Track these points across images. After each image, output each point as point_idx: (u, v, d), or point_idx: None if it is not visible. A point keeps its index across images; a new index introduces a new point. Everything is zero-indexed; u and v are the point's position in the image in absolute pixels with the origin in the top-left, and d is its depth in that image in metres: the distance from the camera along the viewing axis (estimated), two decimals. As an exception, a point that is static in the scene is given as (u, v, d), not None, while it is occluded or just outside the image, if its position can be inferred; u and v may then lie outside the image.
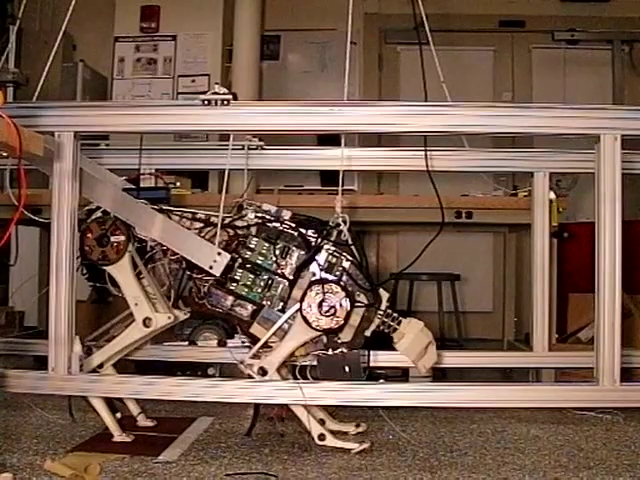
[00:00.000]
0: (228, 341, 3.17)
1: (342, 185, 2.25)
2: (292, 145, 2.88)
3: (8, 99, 3.69)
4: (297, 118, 2.15)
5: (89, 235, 2.24)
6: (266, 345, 2.19)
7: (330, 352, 2.16)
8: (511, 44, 5.87)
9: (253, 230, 2.25)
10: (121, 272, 2.25)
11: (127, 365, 2.81)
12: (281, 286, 2.21)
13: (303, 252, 2.20)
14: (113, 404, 2.27)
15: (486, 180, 3.84)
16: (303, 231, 2.22)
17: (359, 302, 2.16)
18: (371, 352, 2.71)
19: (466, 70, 5.71)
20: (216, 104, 2.11)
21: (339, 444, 2.15)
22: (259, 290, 2.21)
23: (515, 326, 4.19)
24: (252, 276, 2.21)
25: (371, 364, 2.77)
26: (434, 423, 2.56)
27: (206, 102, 2.11)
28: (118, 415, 2.27)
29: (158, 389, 2.13)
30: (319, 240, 2.20)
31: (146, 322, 2.23)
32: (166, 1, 5.53)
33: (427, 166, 2.44)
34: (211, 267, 2.19)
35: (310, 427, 2.16)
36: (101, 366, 2.28)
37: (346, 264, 2.18)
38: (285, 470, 1.96)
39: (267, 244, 2.22)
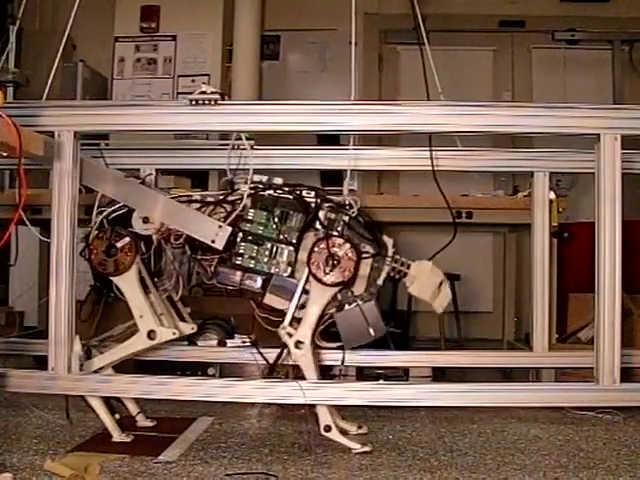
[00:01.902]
0: (228, 341, 3.17)
1: (348, 184, 2.30)
2: (291, 145, 2.87)
3: (8, 99, 3.69)
4: (286, 118, 2.15)
5: (97, 249, 2.23)
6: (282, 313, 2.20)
7: (346, 308, 2.17)
8: (511, 44, 5.86)
9: (248, 202, 2.25)
10: (127, 283, 2.24)
11: (126, 364, 2.82)
12: (286, 252, 2.21)
13: (301, 214, 2.21)
14: (111, 405, 2.27)
15: (478, 179, 3.83)
16: (298, 193, 2.23)
17: (365, 252, 2.17)
18: (370, 352, 2.72)
19: (466, 70, 5.70)
20: (204, 104, 2.11)
21: (343, 441, 2.15)
22: (265, 260, 2.22)
23: (515, 326, 4.19)
24: (256, 247, 2.22)
25: (370, 364, 2.79)
26: (434, 423, 2.56)
27: (194, 102, 2.11)
28: (117, 416, 2.27)
29: (170, 389, 2.13)
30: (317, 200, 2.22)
31: (151, 335, 2.23)
32: (166, 1, 5.53)
33: (432, 166, 2.44)
34: (213, 241, 2.19)
35: (319, 415, 2.15)
36: (101, 368, 2.28)
37: (346, 217, 2.20)
38: (285, 470, 1.96)
39: (265, 213, 2.23)
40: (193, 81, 5.45)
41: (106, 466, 1.94)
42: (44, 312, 2.94)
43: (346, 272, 2.12)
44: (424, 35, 2.83)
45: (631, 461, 2.08)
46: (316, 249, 2.13)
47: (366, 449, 2.15)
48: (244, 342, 3.11)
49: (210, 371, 3.20)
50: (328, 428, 2.15)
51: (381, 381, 2.89)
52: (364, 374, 3.11)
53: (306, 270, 2.15)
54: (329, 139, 2.87)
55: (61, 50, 2.76)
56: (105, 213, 2.28)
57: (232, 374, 3.11)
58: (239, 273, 2.24)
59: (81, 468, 1.88)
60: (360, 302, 2.19)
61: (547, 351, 2.78)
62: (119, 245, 2.22)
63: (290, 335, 2.15)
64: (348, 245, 2.13)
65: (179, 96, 5.41)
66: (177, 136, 4.09)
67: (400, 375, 3.22)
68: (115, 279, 2.25)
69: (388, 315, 4.13)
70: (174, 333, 2.26)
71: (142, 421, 2.40)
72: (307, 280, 2.18)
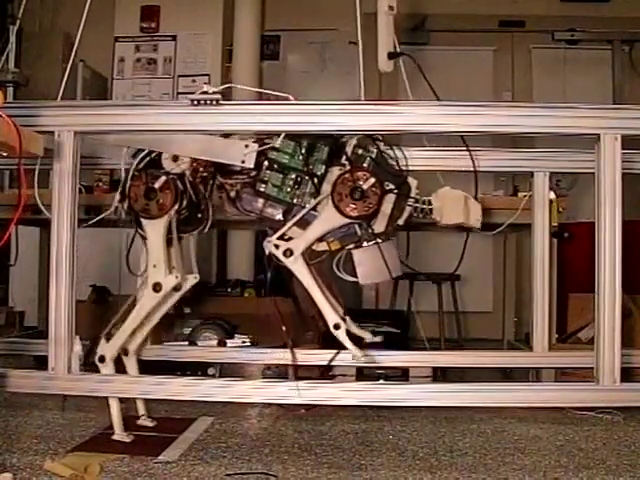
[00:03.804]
0: (228, 341, 3.17)
1: None
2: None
3: (8, 99, 3.69)
4: (287, 118, 2.15)
5: (137, 195, 2.21)
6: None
7: (365, 244, 2.18)
8: (511, 44, 5.87)
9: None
10: (155, 230, 2.23)
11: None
12: (310, 183, 2.21)
13: (328, 147, 2.20)
14: None
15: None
16: None
17: (389, 190, 2.17)
18: (370, 352, 2.72)
19: (466, 70, 5.71)
20: (205, 104, 2.11)
21: (347, 342, 2.14)
22: (288, 190, 2.21)
23: (515, 326, 4.19)
24: (280, 176, 2.21)
25: (370, 364, 2.79)
26: (434, 423, 2.56)
27: (195, 102, 2.11)
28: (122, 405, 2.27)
29: (168, 389, 2.12)
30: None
31: (156, 288, 2.23)
32: (166, 1, 5.53)
33: (474, 167, 2.42)
34: (243, 161, 2.18)
35: (326, 315, 2.16)
36: (126, 353, 2.32)
37: (373, 154, 2.20)
38: (285, 470, 1.96)
39: (292, 142, 2.21)
40: (193, 81, 5.45)
41: (106, 466, 1.94)
42: (44, 312, 2.94)
43: (367, 206, 2.12)
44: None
45: (631, 461, 2.08)
46: (341, 181, 2.13)
47: (376, 339, 2.18)
48: (244, 342, 3.12)
49: (210, 371, 3.21)
50: (337, 326, 2.15)
51: (381, 381, 2.89)
52: (364, 374, 3.11)
53: (329, 206, 2.14)
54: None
55: (74, 51, 2.76)
56: (137, 160, 2.25)
57: (232, 374, 3.12)
58: (261, 200, 2.23)
59: (81, 468, 1.88)
60: (379, 240, 2.19)
61: (547, 351, 2.78)
62: (157, 185, 2.20)
63: (277, 247, 2.15)
64: (373, 179, 2.11)
65: (179, 96, 5.42)
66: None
67: (400, 375, 3.21)
68: (145, 222, 2.23)
69: (388, 316, 4.14)
70: (176, 277, 2.24)
71: (143, 420, 2.40)
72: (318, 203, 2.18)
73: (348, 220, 2.14)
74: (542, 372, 3.09)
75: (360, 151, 2.20)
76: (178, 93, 5.47)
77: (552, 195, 2.91)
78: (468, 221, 2.27)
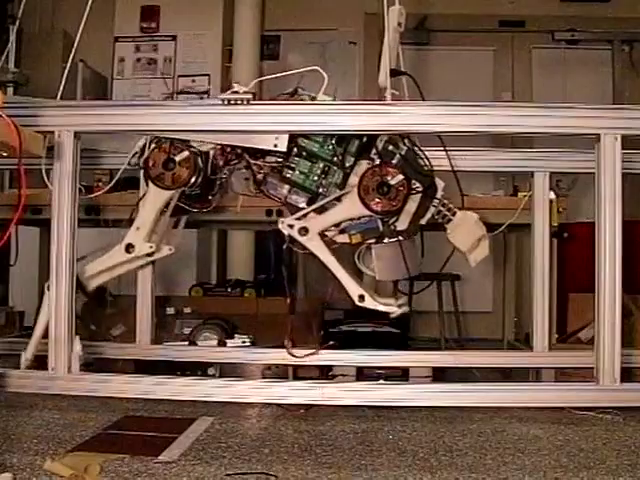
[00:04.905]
0: (228, 341, 3.17)
1: None
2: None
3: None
4: (317, 118, 2.15)
5: (156, 162, 2.24)
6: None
7: (386, 241, 2.20)
8: (511, 44, 5.86)
9: None
10: (152, 200, 2.27)
11: (127, 365, 2.82)
12: (337, 174, 2.22)
13: (359, 140, 2.21)
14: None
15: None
16: None
17: (416, 189, 2.20)
18: (370, 352, 2.72)
19: (466, 70, 5.70)
20: (236, 103, 2.10)
21: (380, 307, 2.17)
22: (315, 178, 2.23)
23: (515, 326, 4.19)
24: (309, 164, 2.23)
25: (370, 364, 2.79)
26: (434, 423, 2.56)
27: (226, 102, 2.10)
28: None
29: (168, 389, 2.13)
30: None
31: (128, 248, 2.27)
32: (166, 1, 5.53)
33: (452, 166, 2.43)
34: (276, 145, 2.18)
35: (348, 288, 2.19)
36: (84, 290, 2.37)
37: (403, 151, 2.21)
38: (285, 470, 1.96)
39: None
40: (193, 81, 5.45)
41: (106, 466, 1.94)
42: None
43: (393, 202, 2.13)
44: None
45: (631, 461, 2.08)
46: (370, 174, 2.14)
47: (404, 309, 2.21)
48: (244, 342, 3.12)
49: (210, 371, 3.20)
50: (362, 298, 2.18)
51: (381, 381, 2.89)
52: (364, 374, 3.10)
53: (353, 195, 2.16)
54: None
55: (74, 51, 2.74)
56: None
57: (232, 374, 3.12)
58: (287, 187, 2.25)
59: (81, 468, 1.88)
60: (400, 238, 2.20)
61: (547, 351, 2.78)
62: (178, 159, 2.22)
63: (291, 226, 2.18)
64: (401, 177, 2.13)
65: (180, 95, 5.41)
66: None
67: (400, 375, 3.21)
68: (151, 186, 2.26)
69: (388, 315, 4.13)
70: (151, 247, 2.30)
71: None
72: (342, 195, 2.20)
73: (369, 213, 2.16)
74: (542, 372, 3.09)
75: (390, 147, 2.21)
76: (178, 93, 5.47)
77: (552, 195, 2.91)
78: (468, 255, 2.31)
